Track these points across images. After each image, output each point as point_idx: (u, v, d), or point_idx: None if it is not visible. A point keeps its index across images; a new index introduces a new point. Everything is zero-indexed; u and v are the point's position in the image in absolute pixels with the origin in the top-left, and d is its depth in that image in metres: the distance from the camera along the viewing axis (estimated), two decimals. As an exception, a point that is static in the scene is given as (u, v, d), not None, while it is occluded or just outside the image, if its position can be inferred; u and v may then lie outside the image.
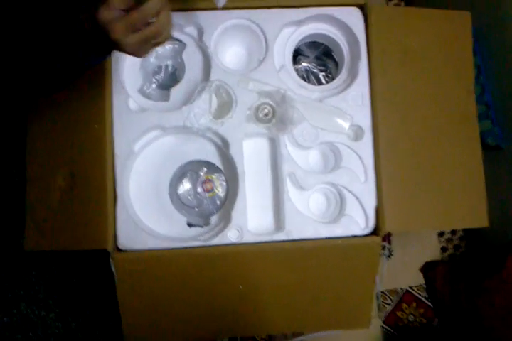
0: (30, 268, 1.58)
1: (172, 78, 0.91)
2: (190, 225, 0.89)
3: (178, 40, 0.89)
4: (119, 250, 0.83)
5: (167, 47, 0.90)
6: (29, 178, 0.85)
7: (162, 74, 0.91)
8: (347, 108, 0.88)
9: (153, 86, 0.90)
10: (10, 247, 1.56)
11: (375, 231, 0.88)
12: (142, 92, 0.88)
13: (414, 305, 1.16)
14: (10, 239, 1.55)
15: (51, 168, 0.83)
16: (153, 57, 0.90)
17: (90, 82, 0.83)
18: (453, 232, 1.20)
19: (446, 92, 0.91)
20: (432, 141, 0.89)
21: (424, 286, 1.16)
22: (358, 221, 0.87)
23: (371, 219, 0.87)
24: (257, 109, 0.87)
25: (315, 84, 0.97)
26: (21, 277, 1.57)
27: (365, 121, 0.88)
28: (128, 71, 0.88)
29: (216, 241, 0.84)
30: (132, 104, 0.86)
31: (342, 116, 0.88)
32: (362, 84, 0.89)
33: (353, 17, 0.90)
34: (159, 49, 0.90)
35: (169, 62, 0.91)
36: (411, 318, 1.15)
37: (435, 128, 0.90)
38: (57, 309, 1.59)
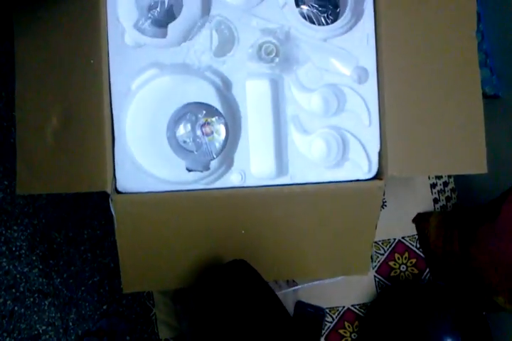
0: (10, 224, 1.53)
1: (169, 14, 0.86)
2: (189, 170, 0.85)
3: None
4: (118, 192, 0.79)
5: (163, -21, 0.85)
6: (19, 118, 0.79)
7: (158, 9, 0.85)
8: (352, 49, 0.85)
9: (149, 21, 0.84)
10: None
11: (377, 176, 0.86)
12: (137, 28, 0.83)
13: (407, 255, 1.17)
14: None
15: (43, 107, 0.78)
16: (148, -10, 0.85)
17: (83, 14, 0.77)
18: (445, 184, 1.21)
19: (449, 38, 0.88)
20: (434, 86, 0.87)
21: (416, 237, 1.17)
22: (361, 165, 0.85)
23: (374, 164, 0.86)
24: (260, 47, 0.83)
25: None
26: (2, 233, 1.53)
27: (370, 63, 0.85)
28: (122, 4, 0.82)
29: (218, 184, 0.81)
30: (128, 39, 0.81)
31: (347, 57, 0.85)
32: (367, 25, 0.85)
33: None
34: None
35: (165, -4, 0.86)
36: (403, 268, 1.16)
37: (438, 73, 0.87)
38: (41, 265, 1.55)
